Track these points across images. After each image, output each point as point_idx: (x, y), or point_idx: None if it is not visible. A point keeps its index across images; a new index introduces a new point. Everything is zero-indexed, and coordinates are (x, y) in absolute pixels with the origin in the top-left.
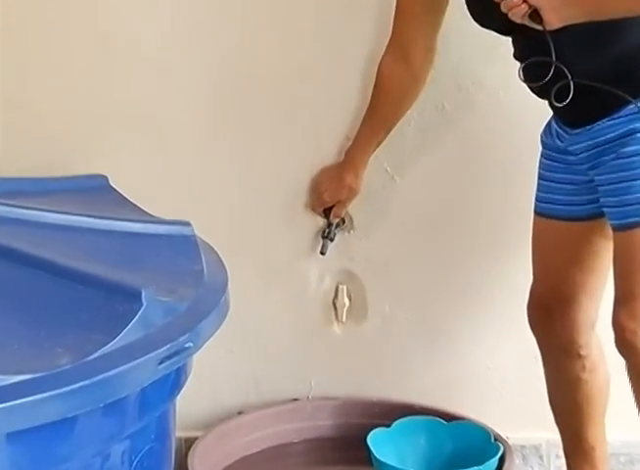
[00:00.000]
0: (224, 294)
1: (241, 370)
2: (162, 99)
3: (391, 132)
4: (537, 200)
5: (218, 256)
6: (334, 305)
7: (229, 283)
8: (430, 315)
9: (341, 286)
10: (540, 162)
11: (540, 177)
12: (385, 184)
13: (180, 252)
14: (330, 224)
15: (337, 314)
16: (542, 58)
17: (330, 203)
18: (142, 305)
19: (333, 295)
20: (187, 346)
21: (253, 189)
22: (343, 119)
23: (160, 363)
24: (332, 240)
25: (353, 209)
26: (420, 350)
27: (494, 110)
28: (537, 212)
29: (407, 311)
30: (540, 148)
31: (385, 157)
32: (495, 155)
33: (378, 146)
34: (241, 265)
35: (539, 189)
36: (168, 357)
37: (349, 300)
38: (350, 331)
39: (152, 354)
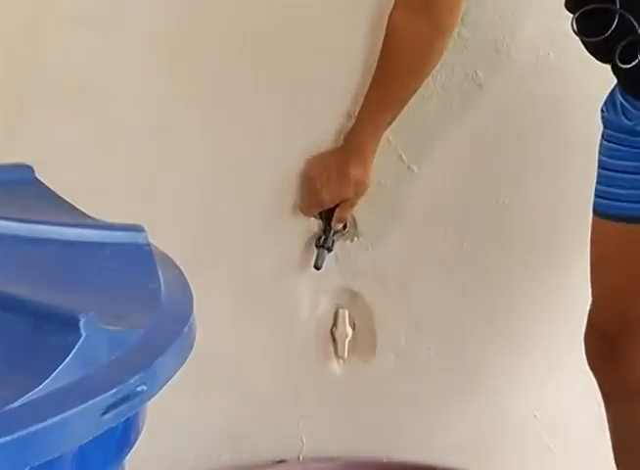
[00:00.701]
0: (188, 321)
1: (211, 423)
2: (103, 63)
3: (407, 107)
4: (597, 195)
5: (180, 271)
6: (332, 335)
7: (194, 307)
8: (459, 349)
9: (341, 311)
10: (601, 145)
11: (601, 165)
12: (399, 176)
13: (130, 266)
14: (327, 230)
15: (336, 348)
16: (603, 4)
17: (330, 203)
18: (80, 336)
19: (331, 322)
20: (139, 390)
21: (226, 184)
22: (343, 92)
23: (105, 413)
24: (329, 250)
25: (357, 208)
26: (446, 394)
27: (541, 77)
28: (597, 212)
29: (429, 344)
30: (601, 127)
31: (398, 140)
32: (543, 137)
33: (389, 125)
34: (210, 284)
35: (599, 181)
36: (115, 405)
37: (353, 329)
38: (354, 370)
39: (93, 401)
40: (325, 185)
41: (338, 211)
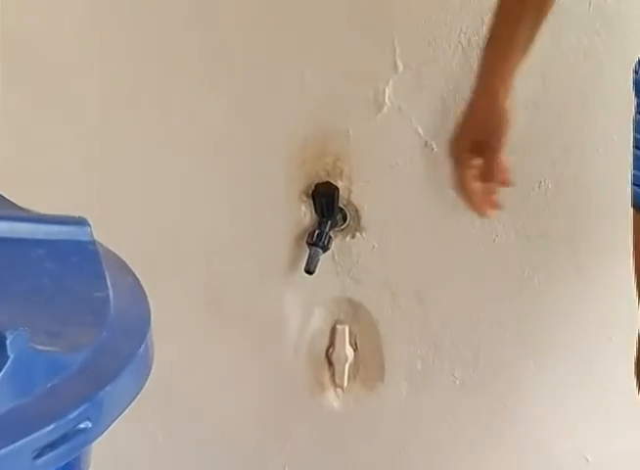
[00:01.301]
0: (144, 339)
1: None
2: (51, 33)
3: (423, 66)
4: (635, 183)
5: (135, 276)
6: (328, 358)
7: (152, 321)
8: (489, 375)
9: (340, 327)
10: (635, 121)
11: (637, 144)
12: (413, 155)
13: (71, 268)
14: (322, 223)
15: (333, 375)
16: None
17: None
18: (7, 358)
19: (327, 342)
20: (83, 426)
21: (194, 167)
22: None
23: (38, 456)
24: (325, 249)
25: (360, 195)
26: (473, 432)
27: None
28: (638, 206)
29: (452, 369)
30: (634, 99)
31: (413, 108)
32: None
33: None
34: (174, 292)
35: (637, 165)
36: (51, 446)
37: (354, 350)
38: (356, 403)
39: (23, 441)
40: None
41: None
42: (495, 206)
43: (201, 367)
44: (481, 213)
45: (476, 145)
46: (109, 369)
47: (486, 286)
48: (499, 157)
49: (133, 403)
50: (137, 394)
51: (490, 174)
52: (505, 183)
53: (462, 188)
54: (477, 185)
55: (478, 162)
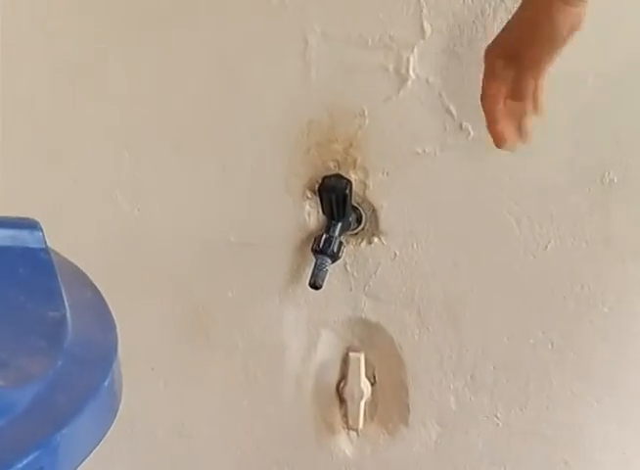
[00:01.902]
0: (110, 370)
1: None
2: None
3: (458, 38)
4: None
5: (98, 291)
6: (339, 395)
7: (120, 348)
8: (542, 416)
9: (353, 355)
10: None
11: None
12: (445, 140)
13: (19, 282)
14: (332, 225)
15: (346, 415)
16: None
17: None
18: None
19: (337, 374)
20: None
21: (166, 149)
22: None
23: None
24: (334, 258)
25: (378, 190)
26: None
27: None
28: None
29: (494, 408)
30: None
31: (443, 85)
32: None
33: None
34: (146, 312)
35: None
36: None
37: (372, 384)
38: (373, 449)
39: None
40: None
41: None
42: (519, 134)
43: (181, 406)
44: (499, 139)
45: (514, 58)
46: (66, 407)
47: (536, 305)
48: (534, 77)
49: (97, 449)
50: (101, 437)
51: (519, 93)
52: (535, 108)
53: (483, 99)
54: (502, 104)
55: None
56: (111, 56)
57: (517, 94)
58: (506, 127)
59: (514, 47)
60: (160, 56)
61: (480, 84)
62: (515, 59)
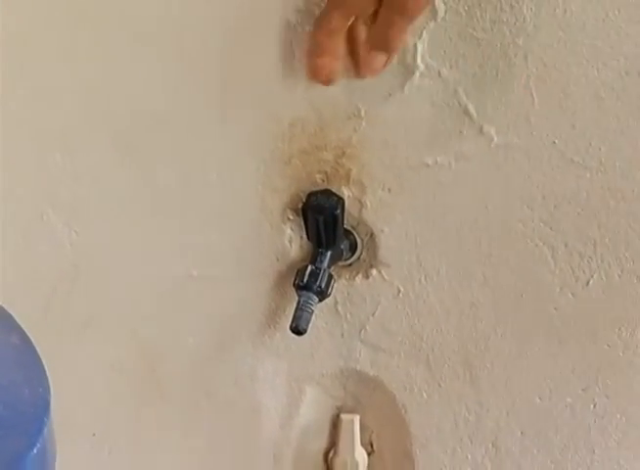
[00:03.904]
0: (39, 436)
1: None
2: None
3: (478, 20)
4: None
5: (25, 336)
6: (328, 467)
7: (52, 407)
8: None
9: (346, 417)
10: None
11: None
12: (461, 148)
13: None
14: (321, 253)
15: None
16: None
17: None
18: None
19: (325, 442)
20: None
21: (113, 156)
22: None
23: None
24: (322, 294)
25: (377, 210)
26: None
27: None
28: None
29: None
30: None
31: (459, 78)
32: None
33: None
34: (86, 362)
35: None
36: None
37: (369, 453)
38: None
39: None
40: None
41: (376, 22)
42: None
43: None
44: (317, 74)
45: None
46: None
47: (575, 355)
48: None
49: None
50: None
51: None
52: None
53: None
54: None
55: None
56: (37, 40)
57: (379, 40)
58: (333, 63)
59: None
60: (101, 38)
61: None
62: None
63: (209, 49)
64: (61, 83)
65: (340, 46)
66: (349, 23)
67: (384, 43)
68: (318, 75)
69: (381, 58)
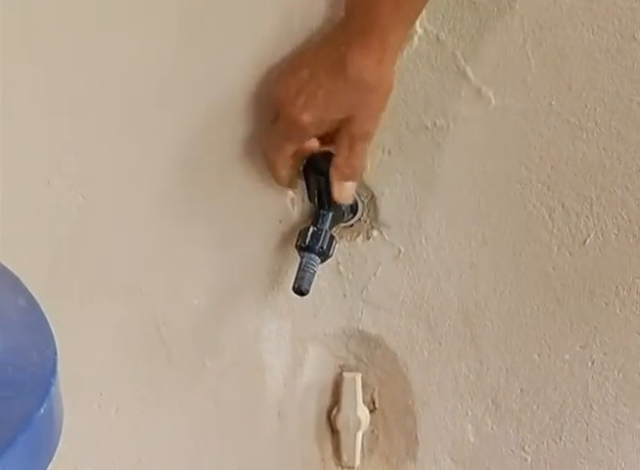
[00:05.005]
0: (47, 396)
1: None
2: None
3: None
4: None
5: (33, 299)
6: (331, 424)
7: (59, 369)
8: (580, 450)
9: (348, 375)
10: None
11: None
12: (460, 110)
13: None
14: (321, 214)
15: (339, 449)
16: None
17: (317, 130)
18: None
19: (328, 400)
20: None
21: (118, 120)
22: None
23: None
24: (324, 256)
25: (378, 172)
26: None
27: None
28: None
29: (521, 439)
30: None
31: (458, 42)
32: None
33: None
34: (92, 324)
35: None
36: None
37: (371, 411)
38: None
39: None
40: (308, 94)
41: (339, 151)
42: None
43: (136, 439)
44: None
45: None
46: None
47: (573, 313)
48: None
49: None
50: None
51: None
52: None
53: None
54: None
55: None
56: (43, 5)
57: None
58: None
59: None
60: (109, 5)
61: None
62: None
63: (214, 25)
64: (67, 50)
65: (294, 161)
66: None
67: (352, 172)
68: (281, 184)
69: (351, 185)
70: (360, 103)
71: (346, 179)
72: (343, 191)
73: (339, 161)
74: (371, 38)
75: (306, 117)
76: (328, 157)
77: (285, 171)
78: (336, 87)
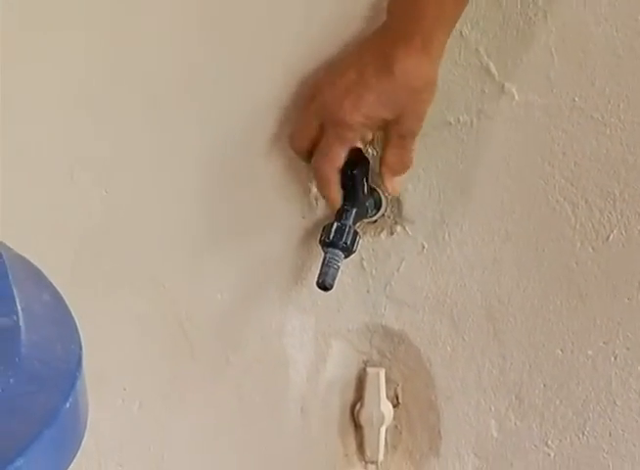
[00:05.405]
0: (72, 391)
1: None
2: None
3: None
4: None
5: (57, 294)
6: (354, 419)
7: (84, 364)
8: (604, 445)
9: (372, 371)
10: None
11: None
12: (483, 106)
13: None
14: (346, 209)
15: (362, 444)
16: None
17: (359, 131)
18: None
19: (352, 395)
20: None
21: (142, 112)
22: None
23: None
24: (347, 250)
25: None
26: None
27: None
28: None
29: (545, 434)
30: None
31: (481, 37)
32: None
33: None
34: (116, 319)
35: None
36: None
37: (394, 406)
38: None
39: None
40: (357, 95)
41: (388, 149)
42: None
43: (159, 434)
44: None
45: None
46: (19, 435)
47: (596, 309)
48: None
49: None
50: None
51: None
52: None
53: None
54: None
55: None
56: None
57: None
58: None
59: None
60: None
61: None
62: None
63: (243, 14)
64: (92, 41)
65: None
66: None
67: (402, 168)
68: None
69: (401, 180)
70: (407, 103)
71: (396, 174)
72: (396, 185)
73: (389, 158)
74: (415, 41)
75: (357, 117)
76: (352, 152)
77: (336, 187)
78: (383, 88)
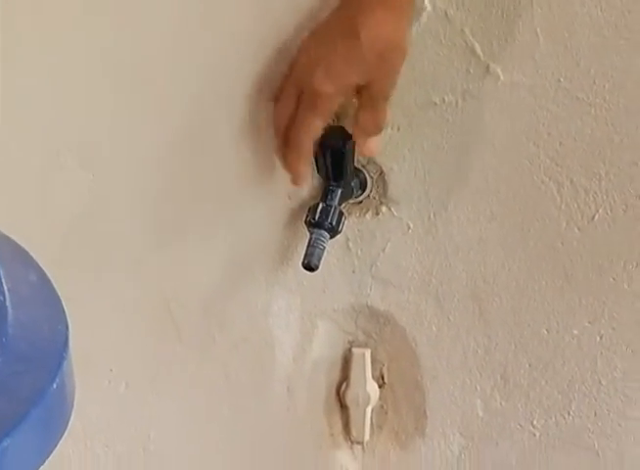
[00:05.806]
0: (59, 371)
1: None
2: None
3: None
4: None
5: (43, 274)
6: (340, 399)
7: (71, 345)
8: (589, 424)
9: (357, 351)
10: None
11: None
12: (468, 86)
13: None
14: (331, 188)
15: (348, 424)
16: None
17: (332, 96)
18: None
19: (338, 375)
20: None
21: (131, 95)
22: None
23: None
24: (333, 231)
25: (387, 148)
26: None
27: None
28: None
29: (530, 413)
30: None
31: (466, 18)
32: None
33: None
34: (103, 300)
35: None
36: None
37: (380, 386)
38: (383, 467)
39: None
40: (327, 63)
41: (361, 110)
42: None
43: (145, 414)
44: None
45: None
46: (6, 415)
47: (581, 289)
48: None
49: (44, 467)
50: (49, 452)
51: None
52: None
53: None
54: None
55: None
56: None
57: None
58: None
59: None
60: None
61: None
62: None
63: None
64: (73, 24)
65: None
66: None
67: (375, 129)
68: (297, 182)
69: (377, 140)
70: (376, 66)
71: (370, 135)
72: (370, 145)
73: (361, 119)
74: (380, 5)
75: (329, 85)
76: (336, 132)
77: (306, 159)
78: (351, 54)
